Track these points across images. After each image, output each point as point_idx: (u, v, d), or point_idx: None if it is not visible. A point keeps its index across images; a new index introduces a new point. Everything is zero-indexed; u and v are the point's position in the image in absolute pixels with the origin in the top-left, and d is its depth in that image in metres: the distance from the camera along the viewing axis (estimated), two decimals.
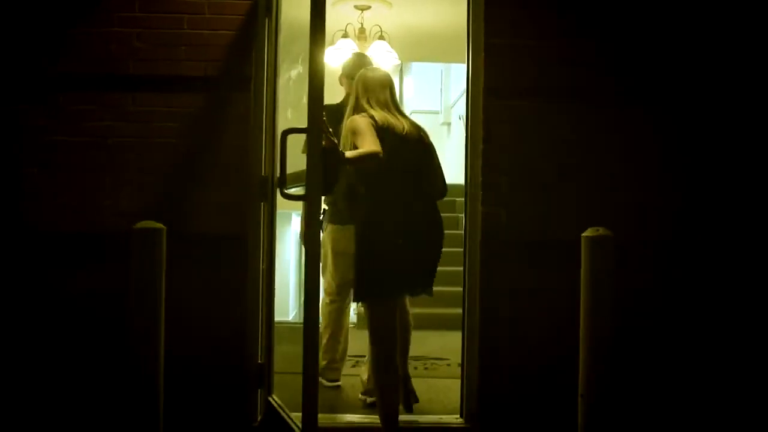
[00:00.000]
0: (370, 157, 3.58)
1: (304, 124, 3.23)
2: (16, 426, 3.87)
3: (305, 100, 3.20)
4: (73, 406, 3.90)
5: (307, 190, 3.24)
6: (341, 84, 4.90)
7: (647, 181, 4.05)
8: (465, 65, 4.17)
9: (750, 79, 4.08)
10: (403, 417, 3.90)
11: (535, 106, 4.02)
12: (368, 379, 4.40)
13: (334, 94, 4.70)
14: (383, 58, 7.33)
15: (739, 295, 4.02)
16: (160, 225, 3.21)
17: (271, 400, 4.04)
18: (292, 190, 3.52)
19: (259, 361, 4.06)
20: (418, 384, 5.25)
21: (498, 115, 4.01)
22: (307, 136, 3.23)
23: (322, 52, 3.30)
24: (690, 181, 4.06)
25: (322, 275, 4.76)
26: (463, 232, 4.14)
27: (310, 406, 3.15)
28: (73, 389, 3.91)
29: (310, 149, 3.18)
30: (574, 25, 4.06)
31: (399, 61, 8.00)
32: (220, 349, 3.95)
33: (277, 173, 3.58)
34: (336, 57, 7.27)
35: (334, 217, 4.71)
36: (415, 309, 7.84)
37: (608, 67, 4.07)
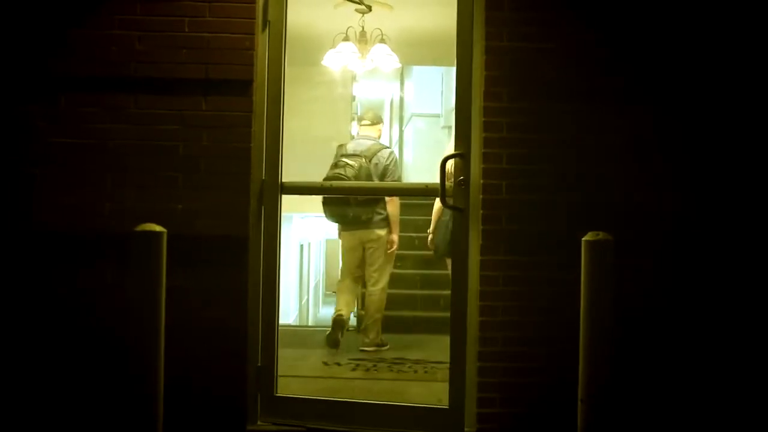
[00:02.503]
0: None
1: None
2: (15, 427, 3.87)
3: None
4: (72, 407, 3.91)
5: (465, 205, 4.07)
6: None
7: (650, 183, 4.04)
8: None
9: (754, 80, 4.07)
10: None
11: (535, 108, 4.03)
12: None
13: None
14: (384, 62, 7.33)
15: (741, 298, 4.01)
16: (160, 228, 3.22)
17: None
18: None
19: (258, 364, 4.05)
20: (417, 387, 5.27)
21: (499, 117, 4.01)
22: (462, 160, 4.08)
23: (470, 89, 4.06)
24: (693, 183, 4.05)
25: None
26: None
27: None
28: (72, 390, 3.91)
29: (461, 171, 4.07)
30: (574, 26, 4.06)
31: (400, 65, 8.00)
32: (220, 351, 3.95)
33: (283, 178, 4.16)
34: (337, 60, 7.27)
35: (347, 225, 6.49)
36: (416, 312, 7.94)
37: (609, 68, 4.06)
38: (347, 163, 6.25)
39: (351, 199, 6.34)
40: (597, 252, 3.19)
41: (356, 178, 6.17)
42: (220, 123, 4.01)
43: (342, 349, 6.45)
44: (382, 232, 6.44)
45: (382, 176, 6.36)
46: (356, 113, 11.05)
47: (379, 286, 6.47)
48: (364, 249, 6.49)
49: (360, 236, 6.45)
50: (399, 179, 6.64)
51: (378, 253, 6.45)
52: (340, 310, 6.52)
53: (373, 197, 6.40)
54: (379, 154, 6.42)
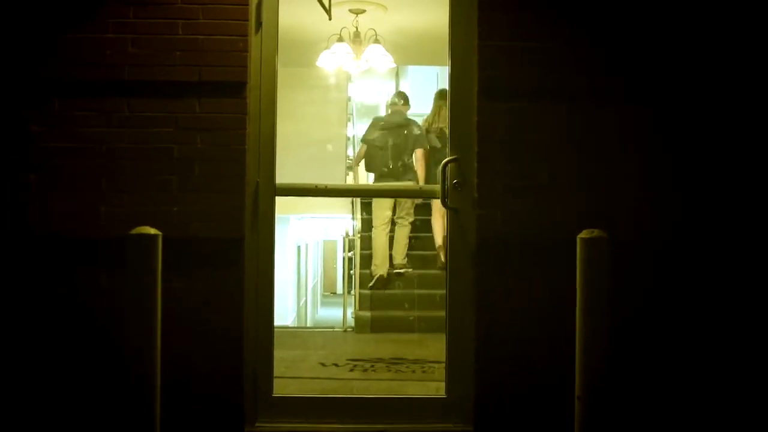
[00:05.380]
0: None
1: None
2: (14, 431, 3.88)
3: None
4: (69, 410, 3.90)
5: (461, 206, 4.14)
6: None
7: (645, 181, 4.05)
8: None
9: (752, 80, 4.07)
10: (397, 426, 4.00)
11: (529, 108, 4.03)
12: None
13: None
14: (378, 62, 7.35)
15: (738, 296, 4.01)
16: (155, 231, 3.21)
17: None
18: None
19: (255, 365, 4.05)
20: (416, 387, 5.27)
21: (492, 117, 4.02)
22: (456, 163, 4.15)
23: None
24: (688, 181, 4.06)
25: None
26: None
27: None
28: (69, 394, 3.91)
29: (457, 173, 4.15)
30: (569, 26, 4.06)
31: (394, 65, 8.03)
32: (216, 353, 3.95)
33: (275, 180, 4.14)
34: (331, 61, 7.28)
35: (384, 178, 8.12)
36: (413, 312, 7.95)
37: (603, 67, 4.07)
38: (386, 131, 8.15)
39: (389, 160, 8.08)
40: (592, 249, 3.19)
41: (392, 142, 8.07)
42: (215, 125, 4.01)
43: (339, 351, 6.45)
44: (411, 184, 8.02)
45: (413, 144, 8.08)
46: (352, 114, 11.07)
47: (406, 222, 8.40)
48: (395, 201, 8.38)
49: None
50: (426, 147, 8.12)
51: (408, 202, 8.35)
52: (377, 268, 8.32)
53: (406, 160, 8.09)
54: (411, 126, 8.20)
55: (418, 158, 8.05)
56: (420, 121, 8.53)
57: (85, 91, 4.00)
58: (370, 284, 8.32)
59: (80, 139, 4.00)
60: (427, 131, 8.15)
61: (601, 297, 3.18)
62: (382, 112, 15.78)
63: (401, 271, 8.45)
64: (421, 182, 7.98)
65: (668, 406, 3.98)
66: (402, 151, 8.11)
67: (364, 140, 8.48)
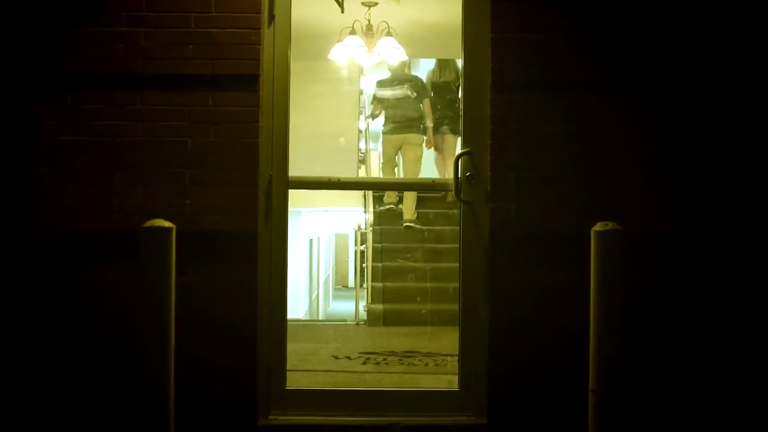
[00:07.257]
0: None
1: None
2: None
3: None
4: (81, 405, 3.92)
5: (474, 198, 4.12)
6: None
7: (657, 172, 4.03)
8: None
9: (757, 72, 4.04)
10: (410, 418, 4.01)
11: (541, 100, 4.01)
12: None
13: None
14: (391, 54, 7.33)
15: (750, 289, 3.99)
16: (169, 224, 3.21)
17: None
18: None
19: (268, 359, 4.05)
20: (428, 380, 5.27)
21: (504, 110, 4.00)
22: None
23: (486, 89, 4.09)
24: (701, 173, 4.03)
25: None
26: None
27: None
28: (83, 388, 3.92)
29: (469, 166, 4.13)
30: (579, 17, 4.04)
31: (406, 57, 8.01)
32: (229, 346, 3.96)
33: (288, 173, 4.14)
34: (344, 54, 7.27)
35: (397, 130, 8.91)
36: (426, 305, 7.95)
37: (614, 59, 4.04)
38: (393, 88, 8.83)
39: (403, 116, 8.86)
40: (606, 242, 3.18)
41: (400, 97, 8.82)
42: (227, 118, 4.01)
43: (351, 344, 6.46)
44: (424, 135, 8.94)
45: (420, 96, 8.83)
46: (364, 107, 11.08)
47: (416, 175, 8.98)
48: (401, 147, 9.03)
49: (405, 138, 8.94)
50: (430, 95, 8.89)
51: (418, 151, 8.97)
52: (388, 197, 9.44)
53: (418, 116, 8.88)
54: (414, 80, 8.95)
55: (426, 108, 8.81)
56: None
57: (98, 84, 4.01)
58: (381, 207, 9.49)
59: (93, 132, 4.01)
60: (432, 83, 8.92)
61: (615, 289, 3.17)
62: None
63: (411, 224, 9.19)
64: (431, 132, 8.86)
65: (681, 399, 3.96)
66: (409, 104, 8.83)
67: (374, 101, 9.26)
